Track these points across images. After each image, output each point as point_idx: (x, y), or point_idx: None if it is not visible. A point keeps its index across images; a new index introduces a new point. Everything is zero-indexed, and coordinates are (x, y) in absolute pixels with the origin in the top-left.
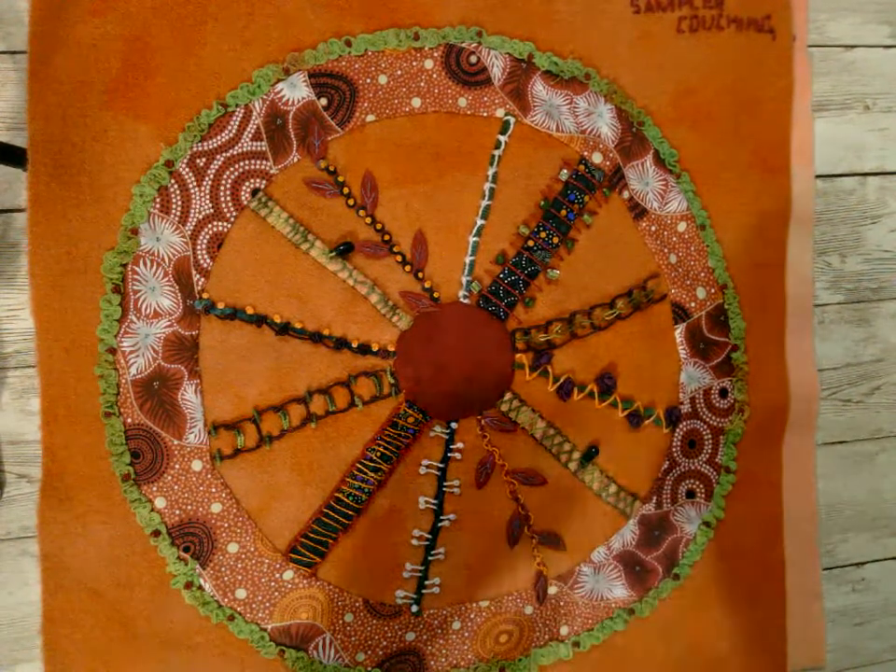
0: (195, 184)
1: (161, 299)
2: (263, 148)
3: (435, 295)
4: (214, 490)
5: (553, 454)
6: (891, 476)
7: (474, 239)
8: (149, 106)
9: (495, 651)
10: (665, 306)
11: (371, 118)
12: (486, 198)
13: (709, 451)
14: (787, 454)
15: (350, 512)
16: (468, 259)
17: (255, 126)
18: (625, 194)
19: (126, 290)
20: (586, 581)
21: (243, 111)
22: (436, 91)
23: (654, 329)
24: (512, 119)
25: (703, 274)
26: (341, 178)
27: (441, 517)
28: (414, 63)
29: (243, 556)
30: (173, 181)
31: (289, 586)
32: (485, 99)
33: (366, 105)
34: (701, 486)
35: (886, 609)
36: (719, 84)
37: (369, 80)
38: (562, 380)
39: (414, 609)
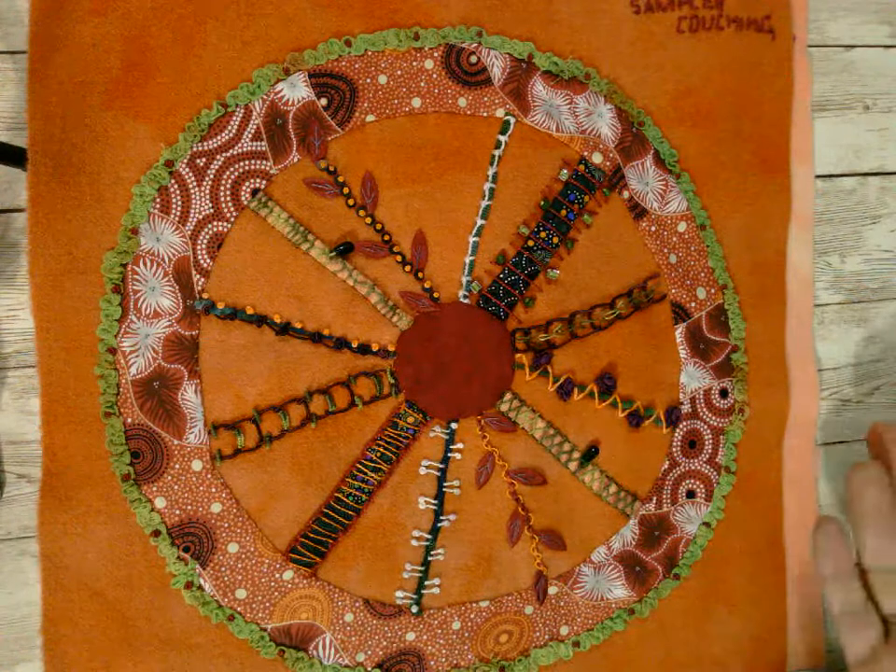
0: (195, 184)
1: (161, 299)
2: (263, 148)
3: (435, 295)
4: (214, 490)
5: (552, 454)
6: None
7: (474, 239)
8: (150, 106)
9: (495, 650)
10: (665, 306)
11: (370, 118)
12: (486, 198)
13: (709, 451)
14: (787, 454)
15: (350, 512)
16: (468, 259)
17: (255, 126)
18: (625, 194)
19: (126, 290)
20: (586, 581)
21: (243, 111)
22: (436, 91)
23: (654, 329)
24: (512, 119)
25: (703, 274)
26: (341, 178)
27: (441, 517)
28: (414, 63)
29: (243, 556)
30: (173, 181)
31: (289, 586)
32: (485, 99)
33: (366, 105)
34: (701, 486)
35: None
36: (719, 84)
37: (369, 80)
38: (562, 380)
39: (414, 609)
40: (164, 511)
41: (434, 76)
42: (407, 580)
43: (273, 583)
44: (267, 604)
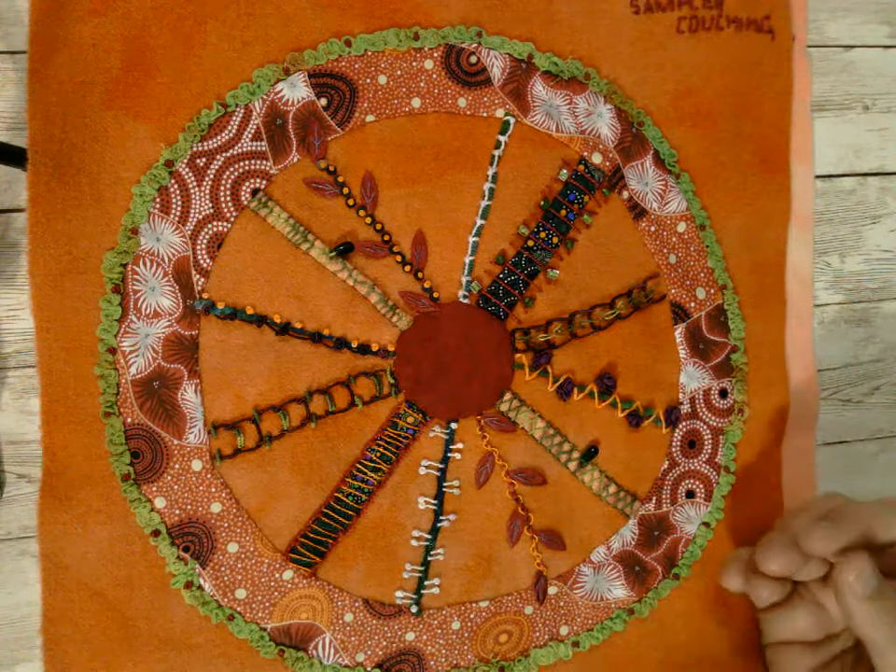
0: (195, 184)
1: (161, 299)
2: (263, 148)
3: (435, 295)
4: (214, 490)
5: (552, 454)
6: (891, 476)
7: (474, 239)
8: (150, 106)
9: (494, 651)
10: (665, 306)
11: (370, 118)
12: (486, 198)
13: (709, 451)
14: (787, 454)
15: (350, 512)
16: (467, 259)
17: (255, 126)
18: (625, 194)
19: (126, 290)
20: (586, 581)
21: (243, 111)
22: (436, 91)
23: (654, 329)
24: (512, 120)
25: (703, 275)
26: (341, 178)
27: (441, 517)
28: (414, 64)
29: (243, 556)
30: (173, 181)
31: (289, 586)
32: (485, 99)
33: (366, 105)
34: (701, 486)
35: None
36: (719, 84)
37: (368, 80)
38: (562, 380)
39: (414, 609)
40: (164, 511)
41: (434, 76)
42: (407, 580)
43: (272, 583)
44: (267, 604)
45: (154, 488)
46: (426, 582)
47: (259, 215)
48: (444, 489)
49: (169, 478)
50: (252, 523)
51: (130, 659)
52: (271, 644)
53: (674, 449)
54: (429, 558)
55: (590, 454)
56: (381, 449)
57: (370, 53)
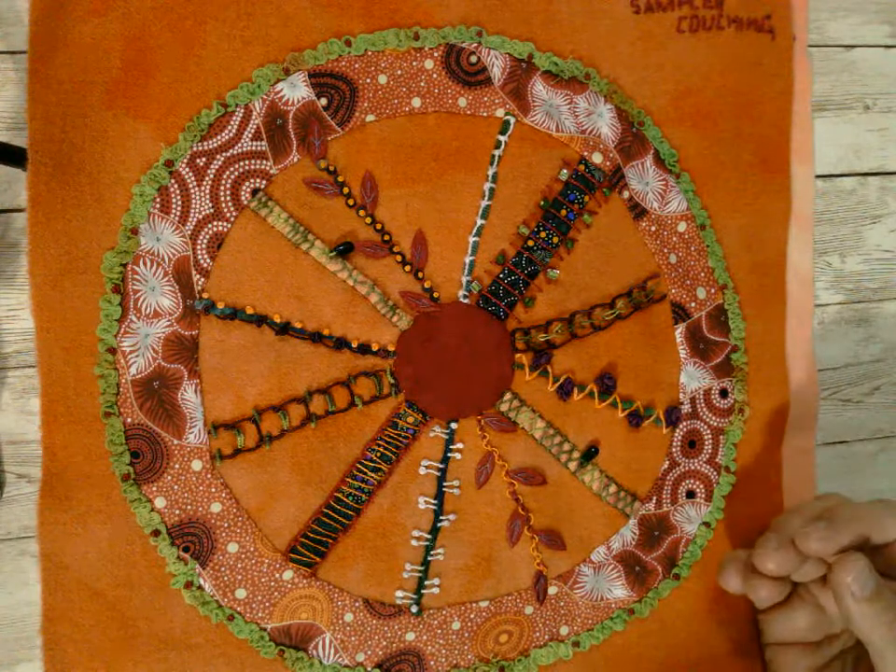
0: (195, 184)
1: (161, 298)
2: (263, 148)
3: (435, 295)
4: (214, 490)
5: (552, 454)
6: (891, 476)
7: (474, 239)
8: (149, 106)
9: (494, 651)
10: (665, 306)
11: (370, 118)
12: (486, 198)
13: (709, 451)
14: (787, 454)
15: (350, 512)
16: (467, 259)
17: (255, 126)
18: (625, 194)
19: (126, 290)
20: (586, 581)
21: (243, 111)
22: (436, 91)
23: (654, 329)
24: (512, 119)
25: (703, 274)
26: (341, 178)
27: (441, 517)
28: (414, 63)
29: (243, 556)
30: (173, 181)
31: (289, 586)
32: (485, 99)
33: (366, 104)
34: (701, 486)
35: None
36: (719, 84)
37: (369, 80)
38: (562, 380)
39: (414, 609)
40: (164, 511)
41: (434, 75)
42: (407, 579)
43: (272, 583)
44: (267, 604)
45: (154, 488)
46: (426, 582)
47: (259, 215)
48: (444, 489)
49: (169, 478)
50: (252, 523)
51: (130, 659)
52: (271, 644)
53: (674, 449)
54: (429, 558)
55: (590, 454)
56: (381, 449)
57: (370, 53)
